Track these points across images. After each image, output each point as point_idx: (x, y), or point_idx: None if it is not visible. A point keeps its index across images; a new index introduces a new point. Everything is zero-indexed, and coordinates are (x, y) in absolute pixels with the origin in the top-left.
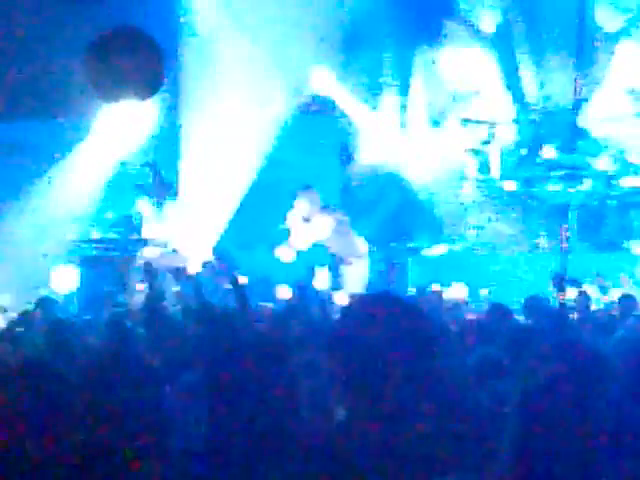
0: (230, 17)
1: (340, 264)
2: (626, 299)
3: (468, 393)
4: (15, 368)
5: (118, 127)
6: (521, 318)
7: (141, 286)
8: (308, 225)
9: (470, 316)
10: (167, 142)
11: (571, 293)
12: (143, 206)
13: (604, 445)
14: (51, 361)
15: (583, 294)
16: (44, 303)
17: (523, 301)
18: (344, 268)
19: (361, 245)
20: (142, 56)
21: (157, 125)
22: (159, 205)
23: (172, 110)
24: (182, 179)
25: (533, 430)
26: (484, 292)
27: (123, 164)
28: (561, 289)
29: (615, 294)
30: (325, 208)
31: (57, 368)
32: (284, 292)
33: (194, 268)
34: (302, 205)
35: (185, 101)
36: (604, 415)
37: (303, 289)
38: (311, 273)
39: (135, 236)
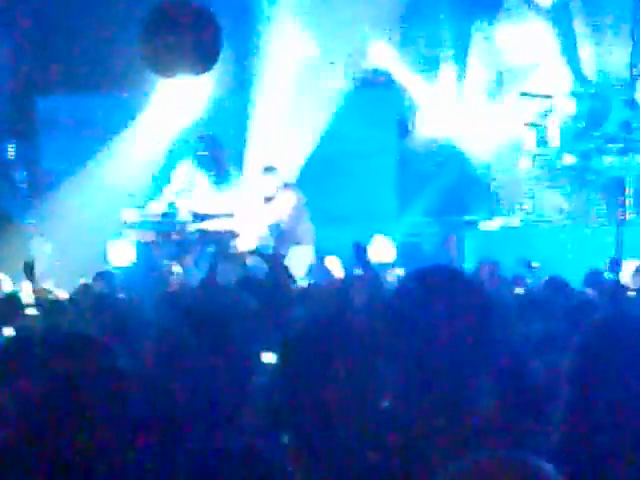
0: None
1: (290, 244)
2: None
3: (525, 366)
4: (65, 341)
5: (177, 101)
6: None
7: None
8: (270, 204)
9: (518, 290)
10: (229, 116)
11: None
12: (200, 180)
13: None
14: (100, 335)
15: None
16: (103, 277)
17: (584, 275)
18: (292, 249)
19: (311, 230)
20: (198, 31)
21: (219, 99)
22: (218, 179)
23: (238, 85)
24: (248, 153)
25: (587, 402)
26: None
27: (182, 138)
28: (616, 273)
29: None
30: (286, 186)
31: (106, 343)
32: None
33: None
34: (266, 185)
35: (251, 76)
36: None
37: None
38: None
39: (192, 210)
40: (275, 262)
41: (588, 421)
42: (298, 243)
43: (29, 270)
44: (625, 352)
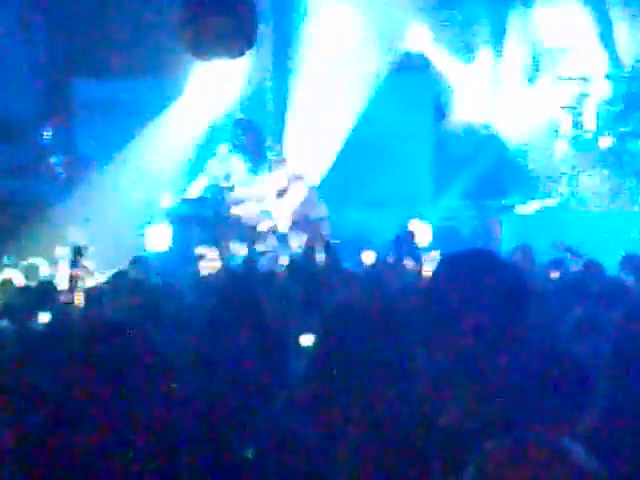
0: None
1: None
2: None
3: (563, 347)
4: (103, 327)
5: (214, 85)
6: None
7: (236, 246)
8: (283, 197)
9: (554, 274)
10: (268, 100)
11: None
12: (237, 165)
13: None
14: (137, 321)
15: None
16: (138, 262)
17: (621, 258)
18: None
19: (323, 208)
20: (234, 15)
21: (258, 83)
22: (254, 163)
23: (277, 69)
24: (287, 138)
25: (625, 383)
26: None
27: (220, 122)
28: None
29: None
30: (297, 178)
31: (143, 328)
32: (369, 257)
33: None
34: (277, 177)
35: (290, 60)
36: None
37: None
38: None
39: (229, 195)
40: (327, 247)
41: (628, 404)
42: (312, 229)
43: (77, 255)
44: None
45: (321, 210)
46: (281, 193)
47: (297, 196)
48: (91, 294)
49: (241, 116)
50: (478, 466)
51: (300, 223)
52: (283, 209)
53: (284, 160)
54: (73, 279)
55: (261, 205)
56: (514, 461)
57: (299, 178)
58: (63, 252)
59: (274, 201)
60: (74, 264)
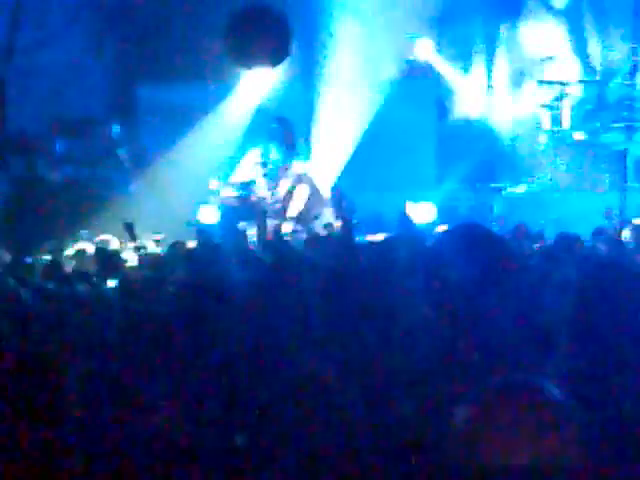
0: (350, 2)
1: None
2: None
3: (541, 304)
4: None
5: (255, 87)
6: None
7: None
8: (291, 197)
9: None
10: (298, 100)
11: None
12: (274, 155)
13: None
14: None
15: (637, 226)
16: (201, 233)
17: (592, 230)
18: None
19: (324, 207)
20: (272, 30)
21: (290, 86)
22: (288, 154)
23: (306, 74)
24: (314, 132)
25: (588, 332)
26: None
27: (259, 119)
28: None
29: None
30: (300, 179)
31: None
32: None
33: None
34: (285, 182)
35: (317, 67)
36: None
37: (405, 219)
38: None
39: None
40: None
41: (588, 346)
42: (315, 218)
43: (129, 230)
44: (616, 291)
45: (320, 208)
46: (290, 192)
47: (301, 195)
48: (153, 262)
49: (278, 114)
50: (469, 404)
51: (304, 214)
52: (291, 207)
53: (288, 167)
54: (137, 250)
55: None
56: (502, 398)
57: (301, 179)
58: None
59: (284, 201)
60: (132, 237)
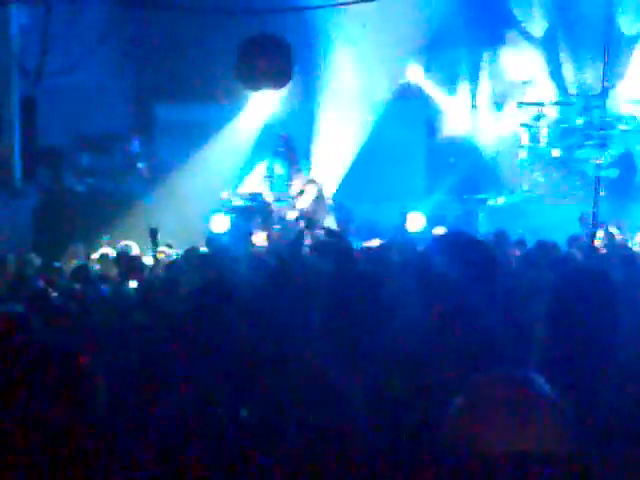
0: (347, 30)
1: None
2: None
3: (520, 304)
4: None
5: (261, 107)
6: None
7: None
8: (300, 197)
9: (517, 252)
10: (300, 119)
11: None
12: (278, 169)
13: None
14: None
15: (609, 233)
16: (211, 241)
17: (568, 237)
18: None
19: (327, 211)
20: (276, 56)
21: (293, 106)
22: (290, 167)
23: (307, 95)
24: (314, 148)
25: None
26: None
27: (264, 136)
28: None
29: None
30: (309, 182)
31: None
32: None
33: None
34: (297, 183)
35: (317, 89)
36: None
37: (399, 227)
38: (404, 217)
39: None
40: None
41: (561, 344)
42: (318, 221)
43: (154, 235)
44: (588, 292)
45: (324, 212)
46: (299, 194)
47: (308, 196)
48: (171, 266)
49: (282, 132)
50: (463, 395)
51: (308, 214)
52: (298, 205)
53: (300, 170)
54: (155, 255)
55: (297, 201)
56: (494, 390)
57: (311, 182)
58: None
59: (294, 200)
60: (154, 243)
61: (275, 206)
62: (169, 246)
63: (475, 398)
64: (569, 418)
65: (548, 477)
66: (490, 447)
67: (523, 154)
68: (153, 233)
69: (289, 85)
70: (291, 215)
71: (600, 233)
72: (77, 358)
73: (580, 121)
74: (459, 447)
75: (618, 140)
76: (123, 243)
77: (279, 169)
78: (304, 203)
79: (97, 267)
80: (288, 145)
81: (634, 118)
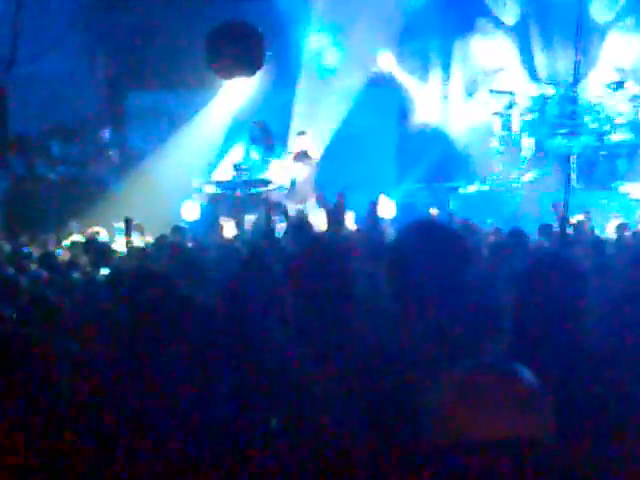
0: (323, 20)
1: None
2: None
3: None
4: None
5: (234, 93)
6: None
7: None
8: (296, 164)
9: (491, 238)
10: (276, 105)
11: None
12: (254, 155)
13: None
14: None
15: (580, 222)
16: (177, 230)
17: (539, 226)
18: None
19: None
20: (247, 44)
21: (268, 92)
22: (266, 154)
23: (283, 82)
24: (290, 134)
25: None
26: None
27: (240, 121)
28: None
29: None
30: (305, 155)
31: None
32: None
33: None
34: (299, 144)
35: (293, 76)
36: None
37: (372, 209)
38: (374, 207)
39: (245, 178)
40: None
41: (527, 333)
42: (305, 199)
43: (128, 225)
44: (555, 280)
45: (311, 189)
46: (300, 157)
47: (303, 169)
48: (141, 254)
49: (257, 118)
50: (442, 389)
51: (298, 190)
52: (290, 173)
53: (304, 133)
54: (128, 243)
55: (272, 185)
56: (477, 378)
57: (306, 156)
58: (118, 224)
59: (289, 164)
60: (127, 232)
61: (246, 193)
62: (141, 230)
63: (456, 386)
64: (551, 406)
65: (535, 465)
66: (475, 437)
67: (495, 142)
68: (127, 223)
69: (263, 72)
70: (268, 202)
71: (572, 220)
72: (35, 345)
73: (552, 110)
74: (443, 438)
75: (588, 129)
76: (92, 230)
77: (255, 155)
78: (298, 171)
79: (68, 255)
80: (264, 131)
81: (603, 107)
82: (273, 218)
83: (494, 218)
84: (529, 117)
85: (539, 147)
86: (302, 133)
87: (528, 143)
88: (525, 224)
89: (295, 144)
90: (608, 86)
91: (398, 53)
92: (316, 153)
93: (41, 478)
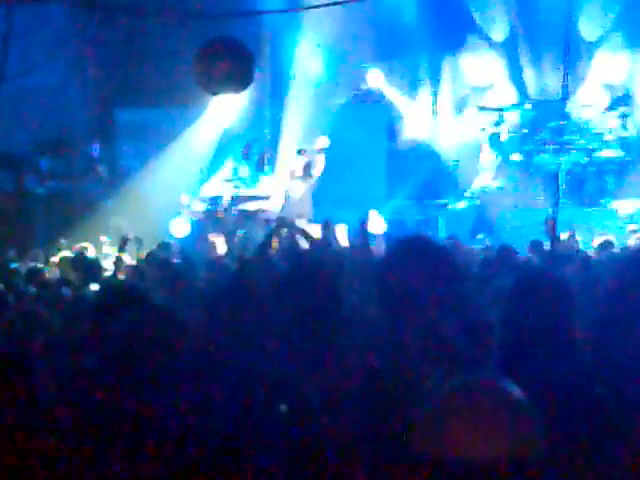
0: (312, 37)
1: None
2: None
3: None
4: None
5: (223, 110)
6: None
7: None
8: (296, 181)
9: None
10: (266, 122)
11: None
12: (243, 172)
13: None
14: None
15: (571, 237)
16: (164, 247)
17: (529, 242)
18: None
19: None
20: (236, 60)
21: (258, 109)
22: (256, 171)
23: (273, 99)
24: (280, 150)
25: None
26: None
27: (229, 137)
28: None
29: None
30: (307, 172)
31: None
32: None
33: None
34: (299, 163)
35: (282, 93)
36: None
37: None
38: (366, 217)
39: (235, 194)
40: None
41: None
42: (301, 216)
43: (123, 244)
44: (543, 296)
45: (309, 205)
46: (305, 168)
47: (300, 188)
48: (131, 272)
49: (248, 135)
50: (429, 405)
51: (295, 206)
52: (293, 189)
53: (305, 152)
54: (118, 260)
55: (262, 201)
56: (464, 396)
57: (310, 177)
58: (105, 239)
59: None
60: (121, 249)
61: (236, 210)
62: (140, 243)
63: (445, 404)
64: (539, 423)
65: None
66: (459, 454)
67: (483, 159)
68: (123, 242)
69: (252, 88)
70: (260, 218)
71: (563, 236)
72: (23, 363)
73: (540, 126)
74: (428, 454)
75: (577, 146)
76: (79, 246)
77: (244, 172)
78: (296, 189)
79: (57, 271)
80: (255, 148)
81: (591, 123)
82: (278, 236)
83: (483, 234)
84: (518, 134)
85: (528, 164)
86: (302, 151)
87: (516, 160)
88: (514, 240)
89: (296, 162)
90: (603, 113)
91: (387, 70)
92: (320, 170)
93: None
